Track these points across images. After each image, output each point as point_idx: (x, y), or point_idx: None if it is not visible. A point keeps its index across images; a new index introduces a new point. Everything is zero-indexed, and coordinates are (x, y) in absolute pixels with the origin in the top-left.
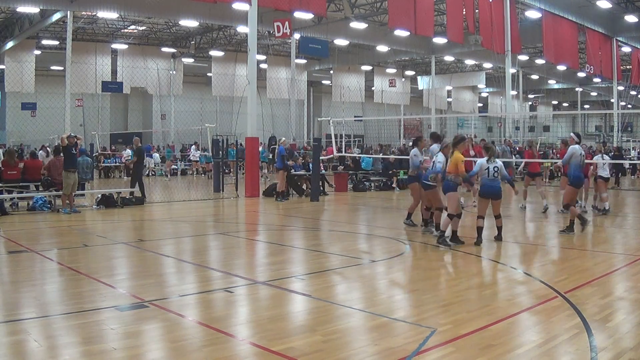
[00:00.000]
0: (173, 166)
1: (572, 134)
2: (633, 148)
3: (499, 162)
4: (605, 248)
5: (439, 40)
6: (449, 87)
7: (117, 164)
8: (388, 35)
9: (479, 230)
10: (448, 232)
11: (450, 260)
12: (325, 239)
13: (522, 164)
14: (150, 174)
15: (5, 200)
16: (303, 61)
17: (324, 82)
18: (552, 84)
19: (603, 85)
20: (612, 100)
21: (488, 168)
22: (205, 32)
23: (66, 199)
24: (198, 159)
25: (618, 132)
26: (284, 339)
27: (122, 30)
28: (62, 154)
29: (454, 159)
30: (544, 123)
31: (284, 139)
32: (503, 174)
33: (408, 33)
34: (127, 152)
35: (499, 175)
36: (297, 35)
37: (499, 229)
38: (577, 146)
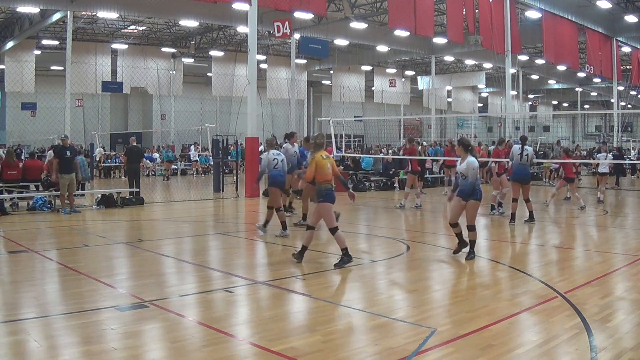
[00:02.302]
0: (173, 166)
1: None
2: (633, 148)
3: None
4: (605, 248)
5: (439, 40)
6: (449, 87)
7: (117, 163)
8: (388, 35)
9: (514, 215)
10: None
11: (450, 260)
12: (325, 239)
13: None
14: (150, 174)
15: (5, 200)
16: (303, 61)
17: (324, 82)
18: (552, 84)
19: (603, 85)
20: (612, 100)
21: (520, 154)
22: (205, 32)
23: (65, 199)
24: (197, 159)
25: (618, 132)
26: (284, 339)
27: (122, 30)
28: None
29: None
30: (544, 123)
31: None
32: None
33: (408, 33)
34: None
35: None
36: (297, 35)
37: (531, 213)
38: (516, 146)
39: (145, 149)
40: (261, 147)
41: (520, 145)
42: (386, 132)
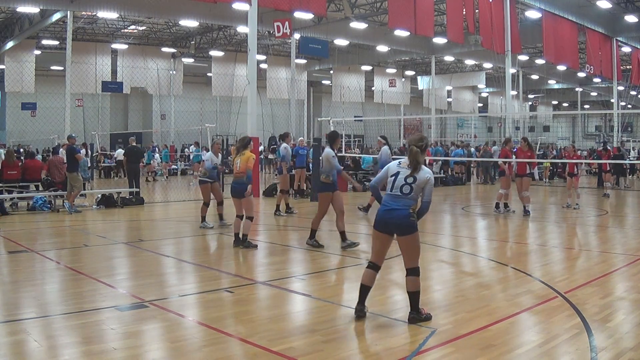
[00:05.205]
0: (173, 166)
1: (379, 137)
2: (633, 148)
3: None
4: (605, 248)
5: (439, 40)
6: (449, 87)
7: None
8: (388, 35)
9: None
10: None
11: (450, 260)
12: (325, 239)
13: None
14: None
15: (5, 200)
16: (303, 61)
17: (324, 82)
18: (552, 84)
19: (603, 85)
20: (612, 100)
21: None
22: (205, 32)
23: (73, 198)
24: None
25: (618, 132)
26: (284, 339)
27: (122, 30)
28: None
29: (247, 157)
30: (544, 123)
31: (301, 138)
32: None
33: (408, 33)
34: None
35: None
36: (297, 35)
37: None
38: (386, 147)
39: (145, 149)
40: (261, 147)
41: (387, 146)
42: (386, 132)
